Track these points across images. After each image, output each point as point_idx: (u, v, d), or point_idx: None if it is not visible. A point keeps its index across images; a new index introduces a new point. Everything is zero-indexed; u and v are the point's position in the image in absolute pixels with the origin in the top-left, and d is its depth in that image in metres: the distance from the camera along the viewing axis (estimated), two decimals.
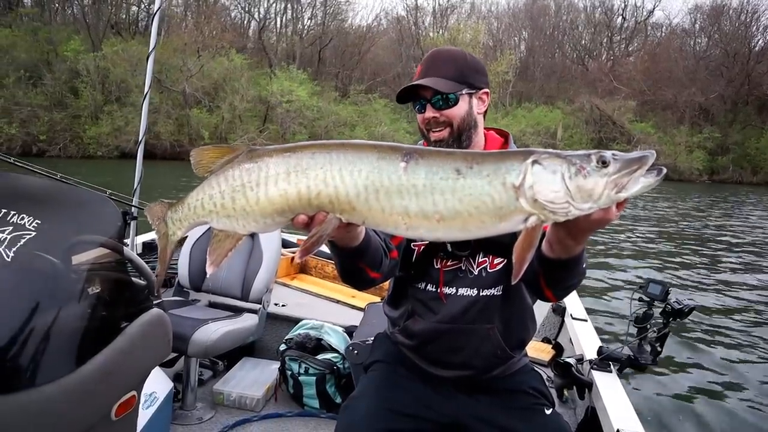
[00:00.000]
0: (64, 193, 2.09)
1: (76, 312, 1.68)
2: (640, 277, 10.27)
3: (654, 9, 65.50)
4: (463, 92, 1.76)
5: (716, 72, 57.01)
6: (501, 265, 1.83)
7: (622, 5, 65.31)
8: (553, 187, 1.09)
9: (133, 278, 2.02)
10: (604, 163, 1.09)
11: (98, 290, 1.82)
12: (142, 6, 47.27)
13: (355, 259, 1.56)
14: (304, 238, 1.22)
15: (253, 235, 3.65)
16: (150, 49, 3.66)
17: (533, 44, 65.77)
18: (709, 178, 50.23)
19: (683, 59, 58.63)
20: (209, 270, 1.27)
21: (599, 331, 3.44)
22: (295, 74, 43.79)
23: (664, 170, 1.10)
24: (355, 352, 2.68)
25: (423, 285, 1.91)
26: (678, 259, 12.84)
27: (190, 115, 37.42)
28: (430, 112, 1.76)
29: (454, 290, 1.86)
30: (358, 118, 45.12)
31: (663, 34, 65.20)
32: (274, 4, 55.25)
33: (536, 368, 2.14)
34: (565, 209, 1.10)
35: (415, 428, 1.85)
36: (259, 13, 55.31)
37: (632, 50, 65.18)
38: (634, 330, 2.72)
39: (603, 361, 2.67)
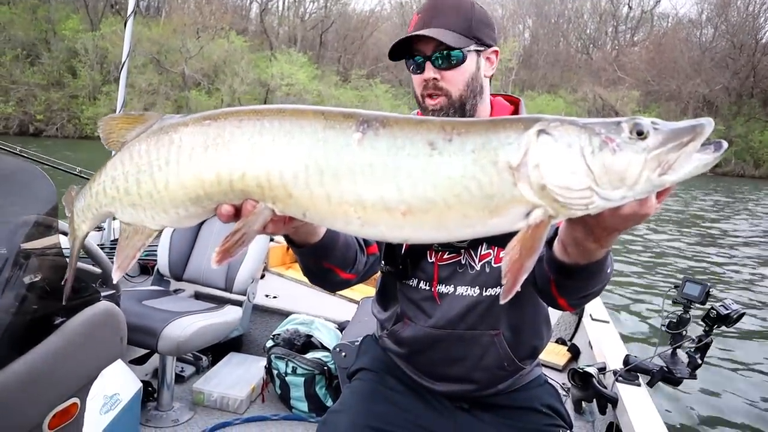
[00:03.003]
0: None
1: None
2: (666, 272, 9.37)
3: None
4: (471, 49, 1.42)
5: (722, 63, 56.56)
6: None
7: None
8: (568, 166, 0.78)
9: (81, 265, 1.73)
10: (640, 134, 0.78)
11: (35, 279, 1.54)
12: None
13: (319, 258, 1.27)
14: None
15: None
16: (128, 13, 3.35)
17: (537, 32, 65.31)
18: (711, 171, 49.80)
19: (689, 50, 58.26)
20: (115, 276, 0.98)
21: (623, 336, 3.07)
22: (295, 57, 43.50)
23: (725, 144, 0.79)
24: (343, 354, 2.36)
25: (414, 282, 1.59)
26: (703, 254, 11.76)
27: (189, 97, 37.20)
28: (430, 72, 1.42)
29: (451, 289, 1.55)
30: (358, 102, 44.83)
31: (669, 24, 64.80)
32: None
33: (550, 380, 1.83)
34: (586, 199, 0.78)
35: None
36: None
37: (637, 40, 64.78)
38: (667, 336, 2.37)
39: (630, 373, 2.34)
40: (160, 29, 38.36)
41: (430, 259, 1.56)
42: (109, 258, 2.27)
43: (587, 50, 64.58)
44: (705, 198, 26.22)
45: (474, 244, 1.52)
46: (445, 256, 1.55)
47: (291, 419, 2.98)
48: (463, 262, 1.54)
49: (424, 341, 1.60)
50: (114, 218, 1.09)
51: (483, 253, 1.52)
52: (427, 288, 1.57)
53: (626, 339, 3.61)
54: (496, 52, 1.51)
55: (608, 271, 1.19)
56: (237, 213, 0.90)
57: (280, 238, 4.59)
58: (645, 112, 51.36)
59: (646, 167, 0.77)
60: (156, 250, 3.41)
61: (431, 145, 0.80)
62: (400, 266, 1.59)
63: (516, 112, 1.60)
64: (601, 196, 0.78)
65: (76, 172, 3.52)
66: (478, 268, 1.53)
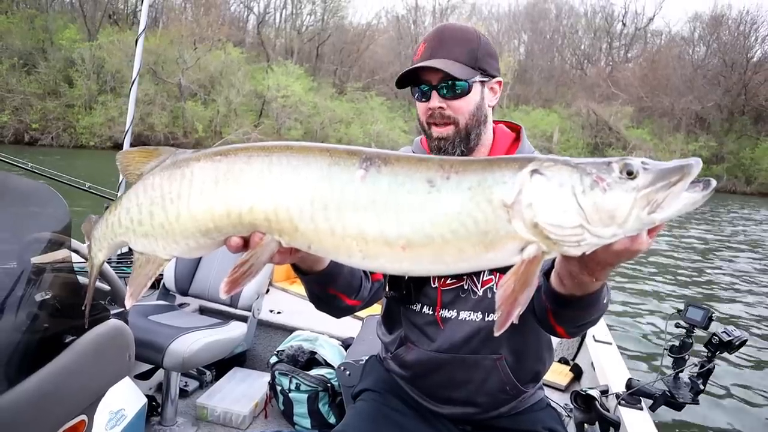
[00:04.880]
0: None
1: (10, 323, 1.41)
2: (668, 295, 9.34)
3: (654, 16, 65.64)
4: (476, 79, 1.47)
5: (714, 81, 57.04)
6: None
7: (623, 11, 65.67)
8: (559, 205, 0.81)
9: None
10: (630, 174, 0.81)
11: (46, 296, 1.56)
12: None
13: (325, 285, 1.31)
14: None
15: None
16: (139, 31, 3.40)
17: (532, 47, 65.83)
18: None
19: (681, 67, 58.70)
20: (127, 303, 1.03)
21: (625, 357, 3.07)
22: (292, 69, 43.57)
23: (713, 182, 0.82)
24: (347, 373, 2.38)
25: (418, 307, 1.63)
26: (702, 275, 11.67)
27: (185, 108, 37.21)
28: (435, 101, 1.47)
29: (454, 314, 1.58)
30: (354, 115, 44.95)
31: (662, 41, 65.33)
32: None
33: (552, 402, 1.85)
34: (577, 237, 0.82)
35: None
36: (258, 7, 55.10)
37: (631, 56, 65.28)
38: (669, 360, 2.37)
39: (632, 396, 2.35)
40: (158, 40, 38.34)
41: (434, 284, 1.59)
42: (116, 271, 2.29)
43: (581, 66, 65.10)
44: (703, 213, 26.19)
45: None
46: (448, 282, 1.58)
47: None
48: (465, 287, 1.57)
49: (428, 365, 1.63)
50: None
51: (485, 278, 1.56)
52: (431, 312, 1.60)
53: (629, 360, 3.59)
54: (499, 82, 1.56)
55: (604, 301, 1.23)
56: (245, 244, 0.95)
57: None
58: (638, 128, 51.75)
59: (636, 206, 0.81)
60: None
61: (430, 183, 0.84)
62: (404, 291, 1.62)
63: (517, 139, 1.64)
64: (592, 234, 0.82)
65: (85, 188, 3.55)
66: (480, 293, 1.56)
